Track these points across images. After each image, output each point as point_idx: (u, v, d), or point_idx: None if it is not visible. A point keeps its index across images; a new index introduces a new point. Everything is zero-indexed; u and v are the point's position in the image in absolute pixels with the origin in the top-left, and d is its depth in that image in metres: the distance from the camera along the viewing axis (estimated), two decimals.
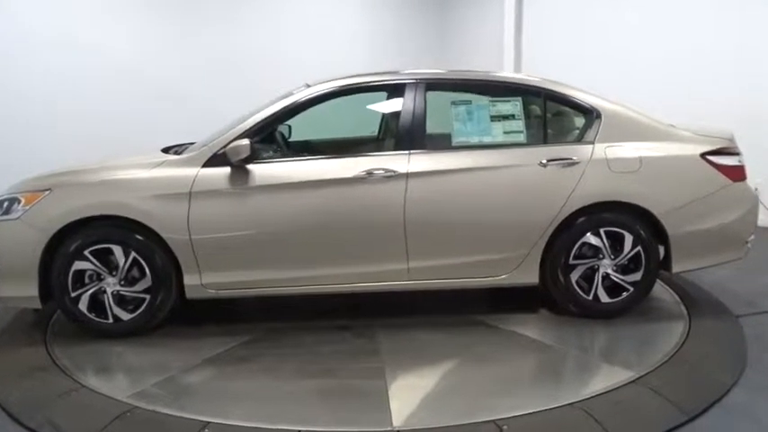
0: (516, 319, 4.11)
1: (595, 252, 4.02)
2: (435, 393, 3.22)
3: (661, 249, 4.08)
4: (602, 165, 3.96)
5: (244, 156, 3.74)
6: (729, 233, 4.11)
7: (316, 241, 3.86)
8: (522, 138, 4.05)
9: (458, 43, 9.92)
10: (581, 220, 3.97)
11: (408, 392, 3.22)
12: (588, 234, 3.98)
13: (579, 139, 4.09)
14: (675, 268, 4.06)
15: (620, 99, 4.22)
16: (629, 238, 3.99)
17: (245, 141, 3.75)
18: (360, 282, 3.93)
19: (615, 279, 4.04)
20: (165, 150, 4.29)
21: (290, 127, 5.04)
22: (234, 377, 3.40)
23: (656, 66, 7.33)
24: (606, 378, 3.31)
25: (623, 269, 4.06)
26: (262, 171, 3.85)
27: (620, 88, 5.67)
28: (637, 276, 4.05)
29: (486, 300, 4.47)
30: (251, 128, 3.90)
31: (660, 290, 4.64)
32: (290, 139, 4.86)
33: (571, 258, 4.00)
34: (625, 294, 4.06)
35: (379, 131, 4.93)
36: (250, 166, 3.83)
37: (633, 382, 3.26)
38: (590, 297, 4.04)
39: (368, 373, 3.43)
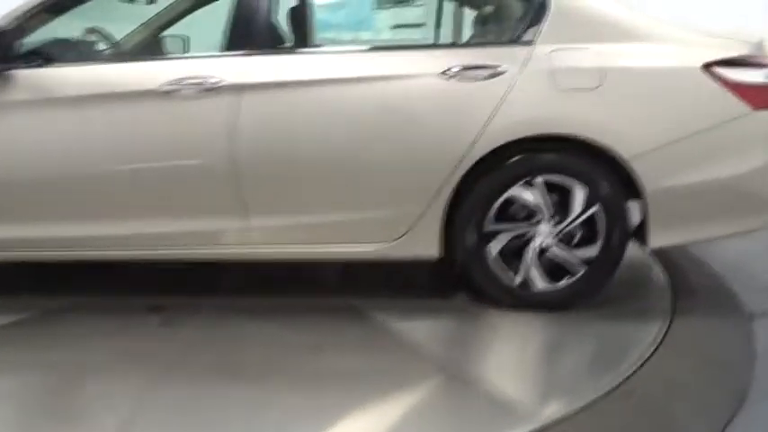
0: (417, 307, 2.81)
1: (528, 213, 2.65)
2: (202, 419, 1.99)
3: (635, 210, 2.67)
4: (542, 77, 2.55)
5: None
6: (745, 189, 2.63)
7: (103, 185, 2.63)
8: (422, 35, 2.66)
9: None
10: (506, 163, 2.59)
11: (165, 408, 2.02)
12: (517, 185, 2.60)
13: (512, 39, 2.67)
14: (654, 241, 2.64)
15: None
16: (580, 194, 2.60)
17: None
18: (175, 246, 2.69)
19: (558, 254, 2.67)
20: None
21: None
22: None
23: None
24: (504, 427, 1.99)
25: (572, 240, 2.68)
26: (26, 80, 2.61)
27: None
28: (591, 251, 2.66)
29: (385, 277, 3.16)
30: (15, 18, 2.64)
31: (645, 267, 3.22)
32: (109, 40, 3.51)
33: (490, 222, 2.64)
34: (571, 279, 2.68)
35: None
36: (10, 73, 2.60)
37: None
38: (518, 281, 2.69)
39: (123, 376, 2.24)
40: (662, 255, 3.29)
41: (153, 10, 3.31)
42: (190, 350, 2.46)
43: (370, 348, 2.47)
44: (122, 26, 3.30)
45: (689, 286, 3.06)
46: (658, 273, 3.17)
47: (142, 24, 3.35)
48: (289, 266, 3.03)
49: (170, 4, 3.35)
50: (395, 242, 2.66)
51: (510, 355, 2.55)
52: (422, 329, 2.60)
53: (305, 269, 3.17)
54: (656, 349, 2.41)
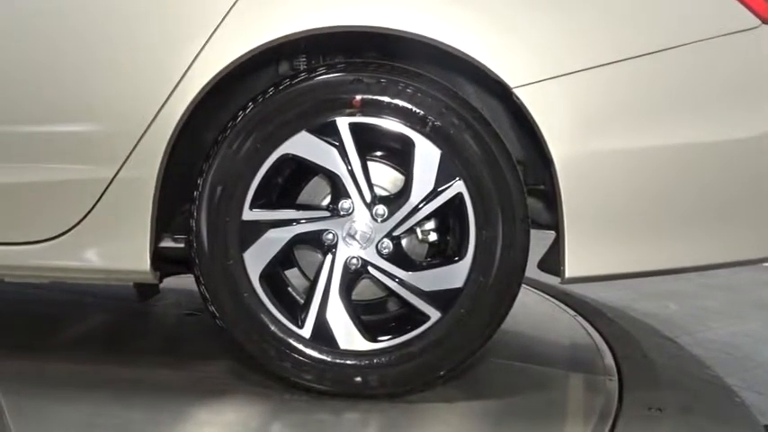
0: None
1: (327, 193, 1.35)
2: None
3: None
4: None
5: None
6: (741, 172, 1.35)
7: None
8: None
9: None
10: (277, 94, 1.31)
11: None
12: (299, 135, 1.30)
13: None
14: (574, 266, 1.30)
15: None
16: (428, 157, 1.30)
17: None
18: None
19: (385, 280, 1.33)
20: None
21: None
22: None
23: None
24: None
25: (417, 252, 1.36)
26: None
27: None
28: (451, 278, 1.32)
29: None
30: None
31: (572, 330, 1.87)
32: None
33: (247, 205, 1.31)
34: (411, 334, 1.33)
35: None
36: None
37: None
38: (299, 327, 1.33)
39: None
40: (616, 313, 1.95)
41: None
42: None
43: None
44: None
45: (654, 380, 1.70)
46: (596, 352, 1.81)
47: None
48: None
49: None
50: (49, 243, 1.32)
51: None
52: None
53: None
54: None
